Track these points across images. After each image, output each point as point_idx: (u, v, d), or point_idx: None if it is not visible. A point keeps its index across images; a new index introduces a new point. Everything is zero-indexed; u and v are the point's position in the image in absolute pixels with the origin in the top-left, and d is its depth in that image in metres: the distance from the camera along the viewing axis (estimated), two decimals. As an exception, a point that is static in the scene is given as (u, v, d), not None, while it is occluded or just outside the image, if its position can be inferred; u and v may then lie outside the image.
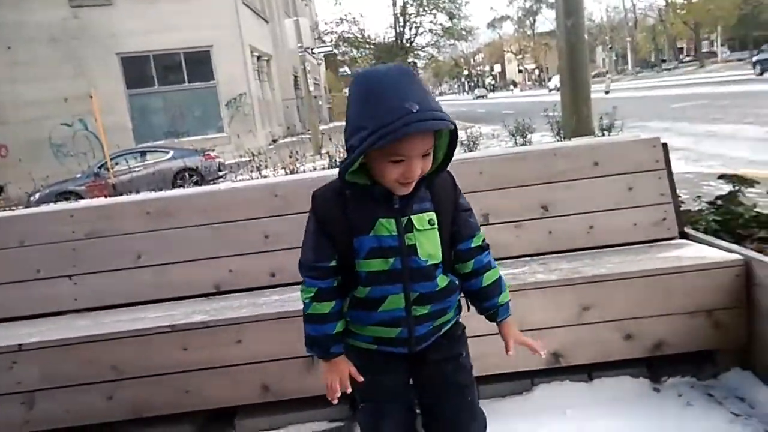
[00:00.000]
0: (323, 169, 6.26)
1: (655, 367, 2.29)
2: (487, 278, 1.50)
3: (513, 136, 7.74)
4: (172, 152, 14.03)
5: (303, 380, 2.25)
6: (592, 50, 67.80)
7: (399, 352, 1.46)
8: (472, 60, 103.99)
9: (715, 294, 2.20)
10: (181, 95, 20.41)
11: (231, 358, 2.25)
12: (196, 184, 11.50)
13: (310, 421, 2.26)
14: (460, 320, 1.57)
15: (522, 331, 2.17)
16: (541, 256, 2.60)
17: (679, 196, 2.77)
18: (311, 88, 19.00)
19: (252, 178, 5.69)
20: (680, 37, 65.45)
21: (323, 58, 40.88)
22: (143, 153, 14.60)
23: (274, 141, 23.27)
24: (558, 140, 6.74)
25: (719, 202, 2.92)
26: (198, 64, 20.30)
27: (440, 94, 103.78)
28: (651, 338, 2.23)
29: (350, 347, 1.49)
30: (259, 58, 23.95)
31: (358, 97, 1.29)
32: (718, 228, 2.71)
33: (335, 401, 1.43)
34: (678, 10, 56.97)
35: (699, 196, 3.23)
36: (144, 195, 3.14)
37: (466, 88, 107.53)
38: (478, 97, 67.32)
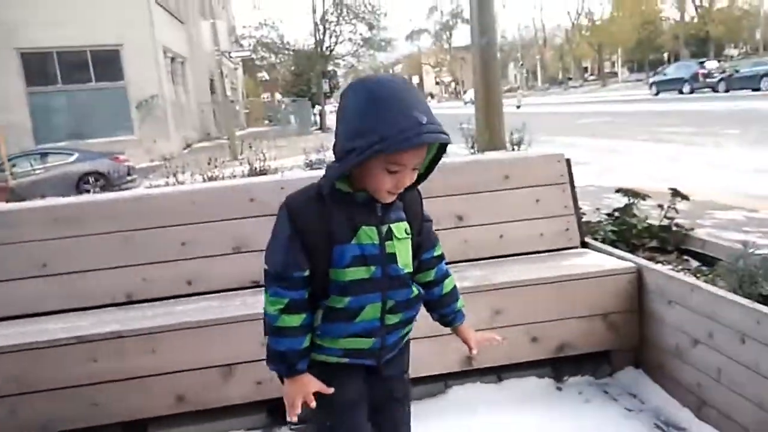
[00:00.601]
0: (243, 175, 6.16)
1: (558, 367, 2.45)
2: (446, 286, 1.54)
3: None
4: (76, 154, 13.27)
5: (220, 389, 2.23)
6: (505, 66, 70.70)
7: (367, 365, 1.42)
8: (391, 70, 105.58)
9: (611, 299, 2.38)
10: (87, 95, 19.36)
11: (144, 369, 2.19)
12: (103, 189, 10.93)
13: (228, 430, 2.24)
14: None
15: (437, 336, 2.28)
16: (456, 264, 2.71)
17: (581, 208, 2.98)
18: (228, 93, 18.67)
19: (167, 184, 5.52)
20: (585, 57, 69.51)
21: (241, 63, 40.13)
22: (44, 154, 13.67)
23: (189, 146, 22.59)
24: (472, 153, 7.01)
25: (616, 214, 3.16)
26: (106, 62, 19.36)
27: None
28: (555, 340, 2.38)
29: (313, 362, 1.40)
30: (173, 59, 23.20)
31: (361, 102, 1.25)
32: (614, 238, 2.94)
33: (294, 419, 1.37)
34: (583, 32, 60.50)
35: (598, 209, 3.48)
36: (51, 200, 2.99)
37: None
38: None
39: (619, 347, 2.44)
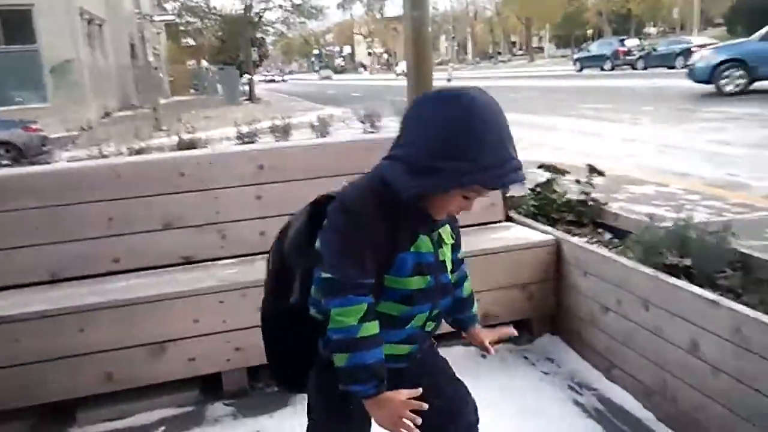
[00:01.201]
0: (172, 149, 5.98)
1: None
2: (466, 289, 1.49)
3: (363, 122, 7.99)
4: (-17, 123, 12.39)
5: (149, 367, 2.23)
6: (436, 39, 71.01)
7: (401, 367, 1.34)
8: (322, 39, 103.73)
9: (532, 270, 2.53)
10: (-5, 58, 18.04)
11: (71, 349, 2.15)
12: (14, 161, 10.28)
13: (158, 408, 2.25)
14: None
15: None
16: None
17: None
18: (151, 59, 17.84)
19: (89, 157, 5.28)
20: (514, 32, 70.84)
21: (164, 28, 38.34)
22: (-55, 122, 12.69)
23: (108, 114, 21.52)
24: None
25: (538, 189, 3.32)
26: (17, 23, 18.00)
27: (290, 72, 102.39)
28: (480, 310, 2.47)
29: None
30: (90, 21, 21.86)
31: (457, 118, 1.14)
32: (536, 212, 3.10)
33: None
34: (512, 6, 61.49)
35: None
36: (-38, 175, 2.83)
37: (316, 67, 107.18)
38: (323, 78, 68.39)
39: (539, 315, 2.60)
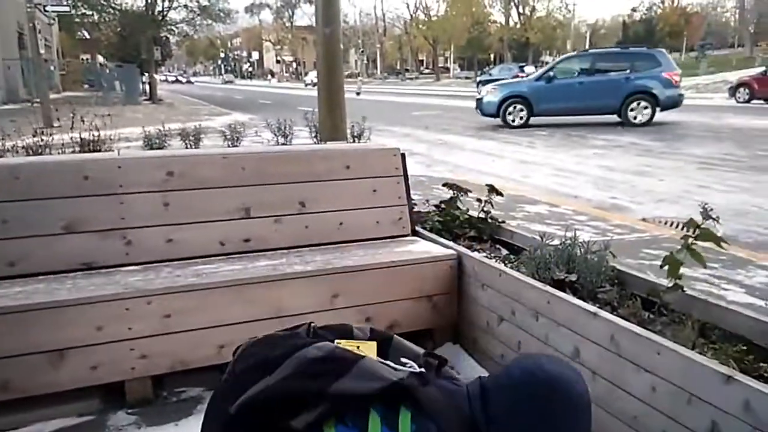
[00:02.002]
0: (73, 151, 5.65)
1: (388, 344, 2.69)
2: None
3: (275, 135, 7.99)
4: None
5: (48, 375, 2.14)
6: (346, 51, 71.52)
7: None
8: (229, 43, 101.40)
9: (435, 282, 2.68)
10: None
11: (-40, 357, 2.03)
12: None
13: (58, 417, 2.16)
14: None
15: (280, 317, 2.41)
16: (298, 249, 2.84)
17: (413, 199, 3.26)
18: (41, 51, 16.69)
19: None
20: (421, 51, 72.87)
21: (57, 18, 35.99)
22: None
23: (-9, 106, 19.88)
24: (315, 142, 7.19)
25: (442, 205, 3.51)
26: None
27: (194, 74, 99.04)
28: (386, 320, 2.62)
29: None
30: (-28, 6, 20.18)
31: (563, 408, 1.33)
32: (440, 227, 3.27)
33: None
34: (420, 26, 63.31)
35: (428, 200, 3.82)
36: None
37: (222, 71, 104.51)
38: (226, 82, 68.93)
39: (441, 325, 2.75)
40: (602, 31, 69.81)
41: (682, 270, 2.25)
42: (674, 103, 13.55)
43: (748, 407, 1.42)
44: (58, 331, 2.14)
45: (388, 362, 1.42)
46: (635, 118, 13.24)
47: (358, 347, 1.44)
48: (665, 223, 5.09)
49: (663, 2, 58.35)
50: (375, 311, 2.59)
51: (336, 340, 1.43)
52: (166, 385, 2.37)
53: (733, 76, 26.19)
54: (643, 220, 5.31)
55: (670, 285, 2.22)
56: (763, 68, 23.14)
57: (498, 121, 14.07)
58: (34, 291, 2.26)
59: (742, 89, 22.41)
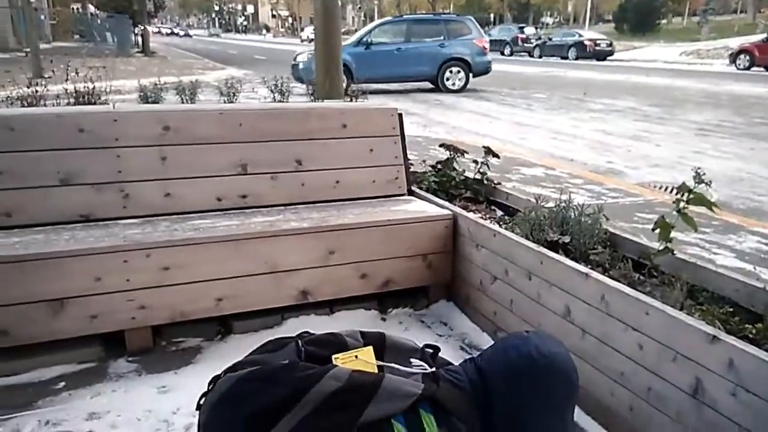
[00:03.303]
0: (68, 103, 5.57)
1: (384, 300, 2.75)
2: None
3: (272, 92, 7.90)
4: None
5: (48, 324, 2.18)
6: (343, 7, 70.01)
7: None
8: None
9: (431, 241, 2.71)
10: None
11: (-40, 305, 2.06)
12: None
13: (58, 364, 2.20)
14: None
15: (276, 272, 2.44)
16: (294, 206, 2.85)
17: (409, 159, 3.27)
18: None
19: None
20: (420, 8, 71.36)
21: (47, -36, 34.93)
22: None
23: (-20, 55, 19.46)
24: (312, 101, 7.11)
25: (439, 166, 3.51)
26: None
27: (188, 26, 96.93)
28: (381, 277, 2.66)
29: None
30: (-41, -51, 19.56)
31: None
32: (436, 188, 3.29)
33: None
34: (419, -18, 61.90)
35: (425, 160, 3.83)
36: None
37: (216, 24, 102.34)
38: (212, 35, 69.12)
39: (435, 283, 2.80)
40: (604, -8, 68.45)
41: (674, 234, 2.28)
42: (485, 69, 13.74)
43: (732, 366, 1.47)
44: (58, 281, 2.17)
45: (397, 366, 1.45)
46: (452, 84, 13.34)
47: (356, 356, 1.45)
48: (659, 188, 5.13)
49: (668, -36, 57.17)
50: (370, 268, 2.63)
51: (333, 356, 1.43)
52: (166, 335, 2.42)
53: (735, 43, 25.94)
54: (638, 184, 5.34)
55: (661, 248, 2.26)
56: (764, 35, 22.94)
57: (499, 79, 13.91)
58: (33, 241, 2.27)
59: (742, 56, 22.26)
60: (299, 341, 1.49)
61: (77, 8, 43.49)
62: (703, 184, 2.23)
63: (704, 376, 1.54)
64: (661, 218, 2.29)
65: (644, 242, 2.43)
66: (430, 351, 1.61)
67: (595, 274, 1.96)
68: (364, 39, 13.23)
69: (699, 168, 2.28)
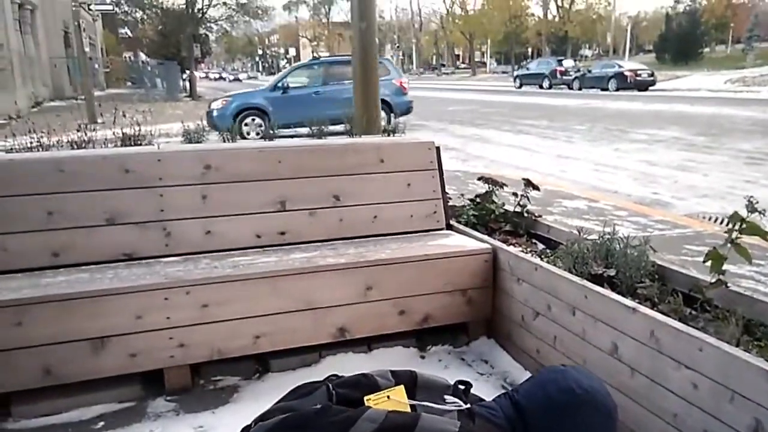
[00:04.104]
0: (115, 144, 5.79)
1: (422, 337, 2.69)
2: None
3: (310, 129, 8.06)
4: None
5: (89, 362, 2.21)
6: (381, 47, 71.52)
7: None
8: (267, 40, 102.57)
9: (470, 276, 2.66)
10: None
11: (8, 342, 2.10)
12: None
13: (98, 403, 2.22)
14: None
15: (313, 309, 2.43)
16: (332, 242, 2.85)
17: (447, 193, 3.24)
18: (86, 49, 17.16)
19: (31, 146, 5.01)
20: (458, 45, 72.34)
21: (101, 16, 37.00)
22: None
23: (39, 104, 20.55)
24: (350, 136, 7.22)
25: (477, 199, 3.47)
26: (-60, 4, 17.01)
27: (233, 70, 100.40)
28: (420, 314, 2.62)
29: None
30: (21, 5, 20.88)
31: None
32: (475, 221, 3.24)
33: None
34: (456, 20, 62.80)
35: (463, 194, 3.80)
36: None
37: (260, 68, 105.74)
38: (249, 77, 67.29)
39: (475, 319, 2.73)
40: (644, 23, 68.09)
41: (727, 266, 2.18)
42: (407, 109, 13.21)
43: (796, 407, 1.36)
44: (100, 319, 2.20)
45: (431, 404, 1.42)
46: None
47: (388, 397, 1.42)
48: (709, 219, 4.94)
49: (708, -7, 56.58)
50: (408, 304, 2.59)
51: (365, 397, 1.41)
52: (204, 374, 2.42)
53: (783, 69, 25.21)
54: (686, 216, 5.17)
55: (713, 281, 2.15)
56: (815, 60, 22.22)
57: (538, 112, 13.82)
58: (77, 280, 2.33)
59: (792, 81, 21.57)
60: (329, 384, 1.46)
61: (129, 57, 45.71)
62: (757, 213, 2.13)
63: (765, 417, 1.43)
64: (713, 249, 2.19)
65: (695, 275, 2.32)
66: (462, 387, 1.56)
67: (643, 309, 1.88)
68: (281, 83, 12.86)
69: (751, 197, 2.18)
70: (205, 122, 10.60)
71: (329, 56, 19.63)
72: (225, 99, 13.01)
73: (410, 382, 1.51)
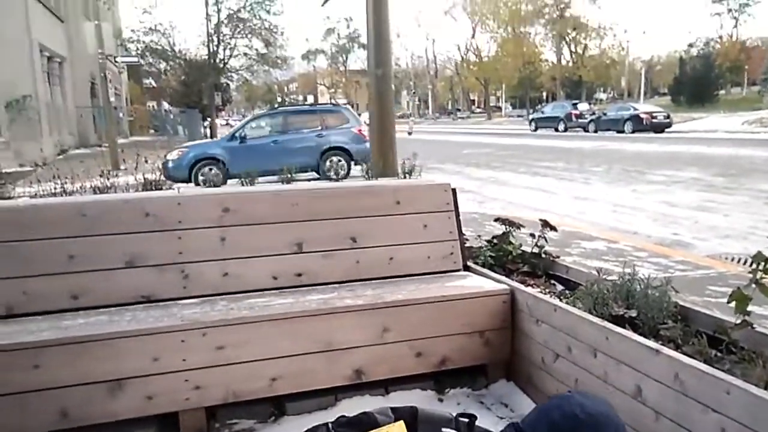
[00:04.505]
0: (136, 190, 5.92)
1: (440, 380, 2.65)
2: None
3: (326, 173, 8.19)
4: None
5: (106, 404, 2.20)
6: (398, 93, 72.87)
7: None
8: (286, 88, 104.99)
9: (488, 317, 2.63)
10: (-52, 90, 17.58)
11: (25, 385, 2.11)
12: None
13: (114, 446, 2.21)
14: None
15: (330, 351, 2.41)
16: (349, 283, 2.84)
17: (464, 234, 3.24)
18: (112, 98, 17.69)
19: (54, 191, 5.15)
20: (473, 90, 73.33)
21: (126, 68, 38.24)
22: None
23: (65, 151, 21.09)
24: (366, 179, 7.29)
25: (495, 241, 3.46)
26: (-27, 57, 17.71)
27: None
28: (437, 355, 2.58)
29: None
30: (50, 58, 21.68)
31: None
32: (492, 263, 3.23)
33: None
34: (471, 67, 63.85)
35: (480, 235, 3.79)
36: None
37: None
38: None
39: (494, 361, 2.68)
40: (658, 67, 68.59)
41: (752, 307, 2.13)
42: (366, 156, 12.42)
43: (830, 452, 1.31)
44: (117, 361, 2.20)
45: None
46: (335, 173, 12.65)
47: None
48: (731, 259, 4.85)
49: (721, 38, 57.05)
50: (426, 346, 2.55)
51: None
52: (219, 417, 2.39)
53: (800, 109, 25.09)
54: (708, 256, 5.08)
55: (738, 322, 2.10)
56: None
57: (554, 154, 13.84)
58: (95, 322, 2.34)
59: (811, 122, 21.44)
60: (329, 424, 1.46)
61: (153, 105, 46.97)
62: (780, 252, 2.10)
63: (800, 463, 1.38)
64: (737, 290, 2.15)
65: (719, 316, 2.28)
66: (466, 420, 1.54)
67: (666, 351, 1.83)
68: (238, 133, 12.88)
69: (773, 235, 2.15)
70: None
71: (293, 105, 19.85)
72: (181, 150, 12.92)
73: (411, 417, 1.50)
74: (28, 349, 2.12)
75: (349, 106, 14.64)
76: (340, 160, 12.90)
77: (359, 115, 14.86)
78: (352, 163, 12.89)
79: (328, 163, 12.76)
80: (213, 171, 12.20)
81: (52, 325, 2.32)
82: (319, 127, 13.19)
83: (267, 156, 11.91)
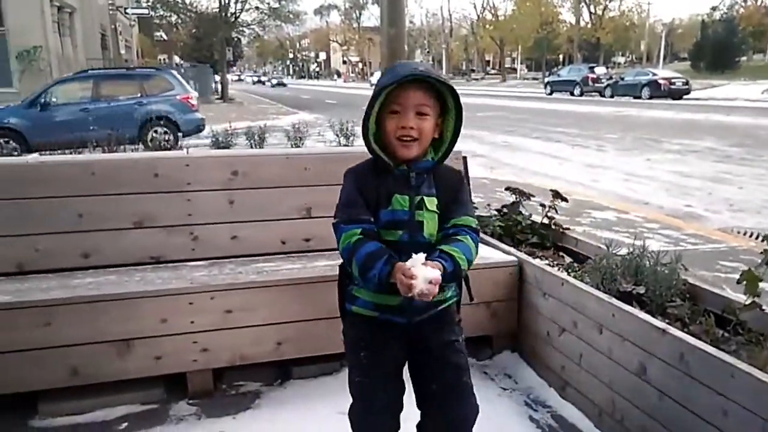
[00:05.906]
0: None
1: (445, 349, 2.66)
2: (453, 248, 1.51)
3: (338, 136, 8.12)
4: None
5: (115, 364, 2.24)
6: (411, 52, 71.52)
7: (398, 322, 1.59)
8: (298, 44, 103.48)
9: (495, 288, 2.63)
10: (-42, 41, 17.49)
11: (37, 342, 2.15)
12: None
13: (122, 404, 2.25)
14: (457, 310, 1.76)
15: (336, 317, 2.40)
16: (357, 250, 2.83)
17: (474, 203, 3.20)
18: (122, 51, 17.49)
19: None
20: (488, 51, 71.97)
21: (137, 20, 37.77)
22: None
23: (75, 103, 21.01)
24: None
25: (504, 210, 3.43)
26: (-16, 6, 17.53)
27: (264, 74, 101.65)
28: (443, 325, 2.58)
29: (354, 315, 1.64)
30: (60, 8, 21.40)
31: None
32: (501, 233, 3.19)
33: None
34: (487, 26, 62.49)
35: (489, 204, 3.76)
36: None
37: (291, 71, 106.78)
38: (275, 86, 61.35)
39: (499, 333, 2.69)
40: (679, 31, 66.87)
41: (763, 286, 2.11)
42: (197, 127, 11.77)
43: (834, 440, 1.31)
44: (126, 321, 2.23)
45: None
46: (159, 144, 10.68)
47: None
48: (744, 234, 4.81)
49: (746, 1, 55.38)
50: (432, 316, 2.56)
51: None
52: (226, 379, 2.43)
53: (824, 79, 24.46)
54: (720, 230, 5.04)
55: (748, 302, 2.08)
56: None
57: (569, 119, 13.65)
58: (105, 282, 2.36)
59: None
60: None
61: (164, 59, 46.53)
62: (795, 233, 2.06)
63: (802, 450, 1.38)
64: (748, 270, 2.12)
65: (728, 295, 2.25)
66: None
67: (673, 330, 1.83)
68: (40, 99, 10.93)
69: (789, 215, 2.11)
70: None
71: (106, 69, 16.69)
72: None
73: None
74: (39, 307, 2.15)
75: (173, 71, 12.84)
76: (166, 132, 11.23)
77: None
78: (180, 135, 11.29)
79: (151, 134, 11.09)
80: (11, 144, 10.47)
81: (62, 283, 2.35)
82: (139, 95, 11.62)
83: (75, 126, 9.76)
